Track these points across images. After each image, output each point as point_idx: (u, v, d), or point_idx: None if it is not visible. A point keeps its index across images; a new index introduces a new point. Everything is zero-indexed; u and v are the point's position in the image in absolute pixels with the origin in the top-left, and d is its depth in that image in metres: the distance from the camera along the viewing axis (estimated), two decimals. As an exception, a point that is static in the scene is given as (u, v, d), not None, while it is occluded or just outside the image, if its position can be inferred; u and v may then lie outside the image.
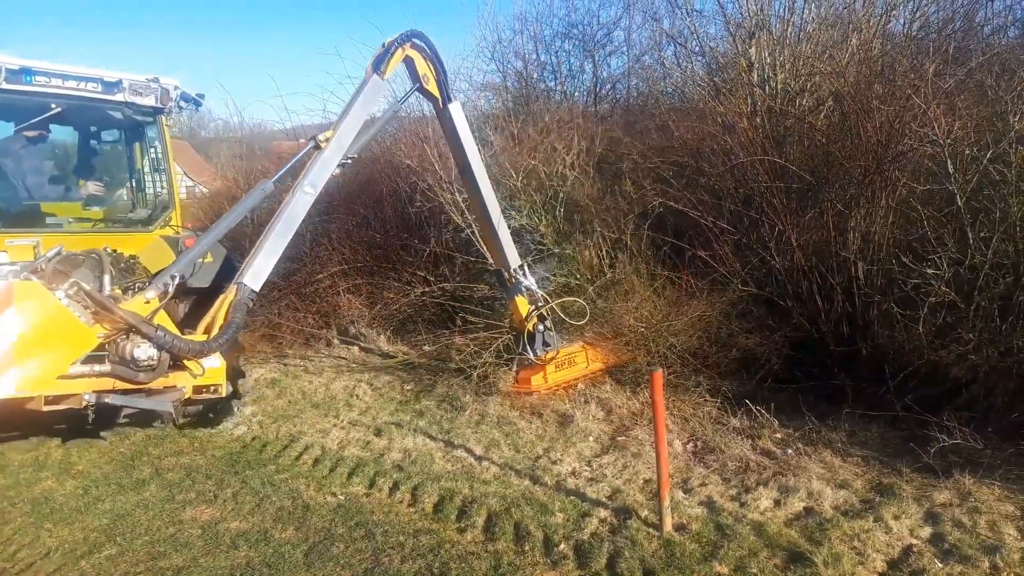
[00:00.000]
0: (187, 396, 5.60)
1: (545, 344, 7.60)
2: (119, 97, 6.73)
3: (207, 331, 5.52)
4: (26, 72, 6.19)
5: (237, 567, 4.27)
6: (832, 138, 7.52)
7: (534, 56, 15.91)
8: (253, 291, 5.68)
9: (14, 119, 6.83)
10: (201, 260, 6.14)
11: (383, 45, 6.76)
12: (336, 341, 9.92)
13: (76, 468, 5.94)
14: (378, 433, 6.54)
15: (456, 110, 7.28)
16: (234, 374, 6.59)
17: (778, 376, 7.28)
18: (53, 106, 6.44)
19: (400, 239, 10.54)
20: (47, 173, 7.21)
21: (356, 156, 7.00)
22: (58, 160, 7.72)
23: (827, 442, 5.91)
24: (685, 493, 5.10)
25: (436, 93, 7.15)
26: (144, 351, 5.09)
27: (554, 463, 5.71)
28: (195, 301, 6.31)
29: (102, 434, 6.56)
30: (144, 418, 6.28)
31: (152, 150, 7.33)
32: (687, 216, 8.32)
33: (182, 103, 7.17)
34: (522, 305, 7.67)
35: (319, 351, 9.82)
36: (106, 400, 5.14)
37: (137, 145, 7.42)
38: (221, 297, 5.68)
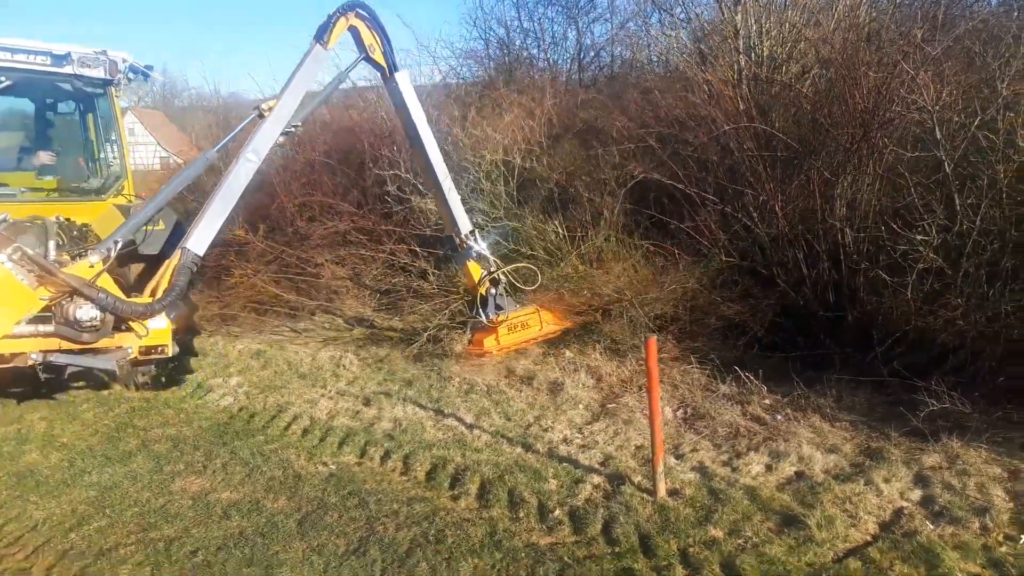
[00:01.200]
0: (134, 356, 5.85)
1: (497, 307, 7.74)
2: (68, 69, 6.82)
3: (152, 294, 5.77)
4: None
5: (230, 537, 4.23)
6: (819, 105, 7.50)
7: (517, 23, 15.75)
8: (197, 255, 5.94)
9: None
10: (152, 227, 6.39)
11: (328, 15, 6.85)
12: (320, 312, 9.82)
13: (60, 440, 5.84)
14: (367, 403, 6.49)
15: (403, 79, 7.41)
16: (189, 332, 6.80)
17: (763, 343, 7.32)
18: (2, 79, 6.57)
19: (380, 209, 10.40)
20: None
21: (300, 125, 7.19)
22: (10, 131, 7.99)
23: (816, 408, 5.96)
24: (677, 459, 5.12)
25: (383, 62, 7.28)
26: (86, 312, 5.38)
27: (545, 431, 5.71)
28: (147, 267, 6.48)
29: (56, 395, 6.79)
30: (96, 379, 6.52)
31: (103, 121, 7.45)
32: (669, 187, 8.29)
33: (131, 75, 7.26)
34: (474, 270, 7.82)
35: (302, 321, 9.71)
36: (51, 359, 5.43)
37: (89, 116, 7.54)
38: (167, 262, 5.95)
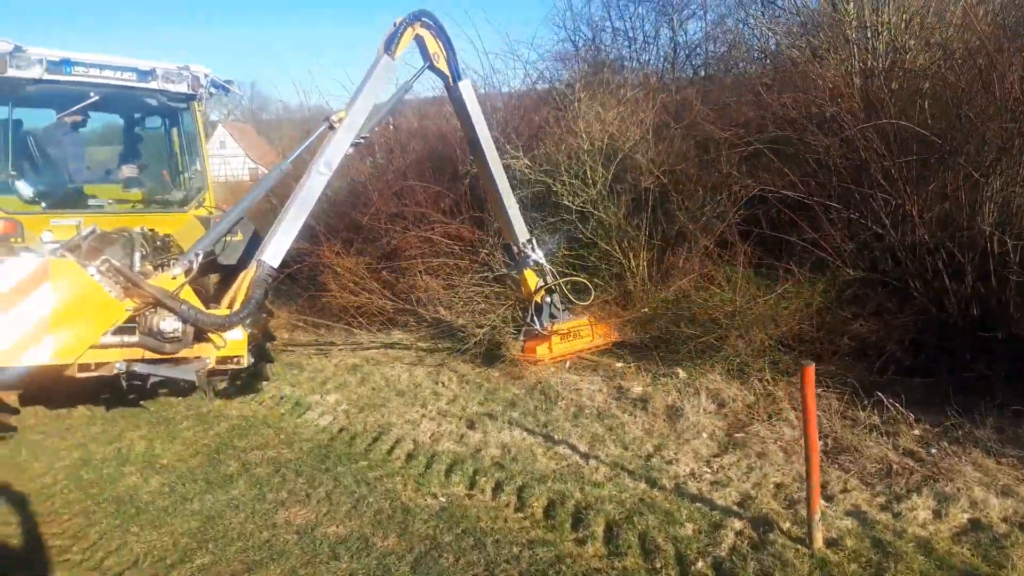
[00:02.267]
0: (211, 366, 5.99)
1: (551, 316, 7.86)
2: (153, 85, 7.14)
3: (230, 305, 5.96)
4: (66, 63, 6.59)
5: (340, 581, 3.89)
6: (963, 97, 6.73)
7: (607, 24, 15.23)
8: (272, 267, 6.17)
9: (57, 107, 7.21)
10: (230, 238, 6.62)
11: (394, 24, 6.95)
12: (413, 323, 9.53)
13: (160, 462, 5.66)
14: (471, 425, 6.11)
15: (466, 87, 7.56)
16: (265, 338, 7.02)
17: (902, 365, 6.62)
18: (92, 94, 6.86)
19: (473, 218, 10.06)
20: (89, 157, 7.71)
21: (369, 135, 7.45)
22: (98, 145, 8.41)
23: (974, 440, 5.27)
24: (827, 501, 4.53)
25: (447, 71, 7.43)
26: (169, 324, 5.54)
27: (669, 463, 5.20)
28: (224, 277, 6.68)
29: (142, 403, 6.92)
30: (179, 388, 6.64)
31: (187, 134, 7.74)
32: (784, 196, 7.63)
33: (212, 89, 7.56)
34: (530, 278, 7.93)
35: (395, 334, 9.44)
36: (135, 368, 5.57)
37: (174, 129, 7.84)
38: (243, 273, 6.13)
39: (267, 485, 5.11)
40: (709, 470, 5.08)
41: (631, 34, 15.16)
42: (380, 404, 6.81)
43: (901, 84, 7.37)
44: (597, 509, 4.51)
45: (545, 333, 7.70)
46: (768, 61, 11.97)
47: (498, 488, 4.93)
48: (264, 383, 7.38)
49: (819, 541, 3.98)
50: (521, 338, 7.95)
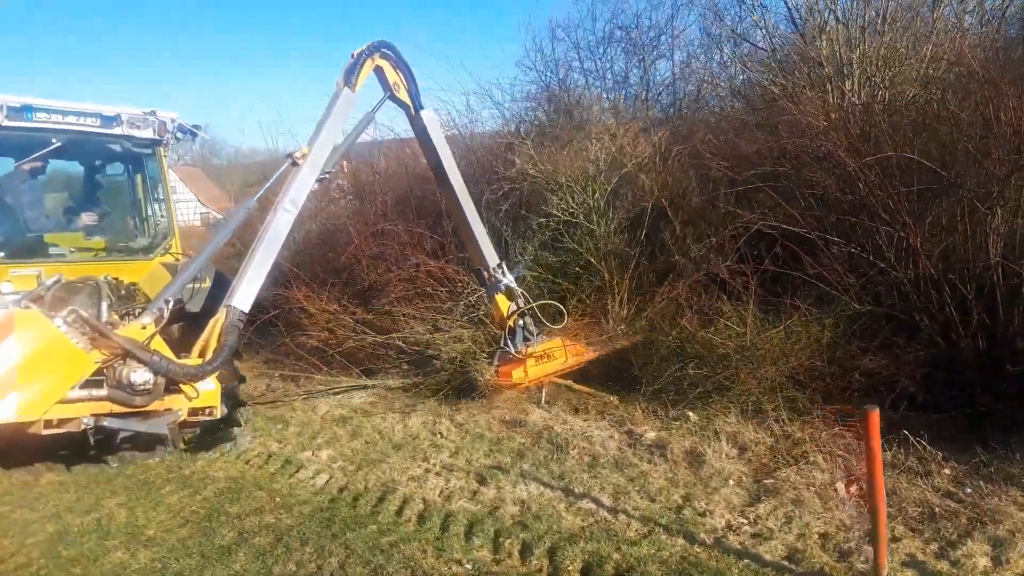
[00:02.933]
0: (183, 418, 5.81)
1: (525, 339, 7.77)
2: (117, 131, 6.95)
3: (201, 354, 5.73)
4: (27, 109, 6.39)
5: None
6: (963, 130, 6.73)
7: (578, 63, 15.24)
8: (243, 312, 5.94)
9: (17, 155, 6.89)
10: (197, 284, 6.39)
11: (352, 56, 6.85)
12: (392, 360, 9.11)
13: (146, 533, 5.15)
14: (482, 480, 5.74)
15: (429, 117, 7.54)
16: (234, 383, 6.78)
17: (914, 400, 6.49)
18: (54, 140, 6.62)
19: (459, 257, 9.77)
20: (48, 205, 7.44)
21: (333, 171, 7.31)
22: (59, 192, 8.08)
23: (1008, 477, 5.13)
24: (878, 550, 4.29)
25: (408, 101, 7.37)
26: (140, 375, 5.30)
27: (702, 515, 4.91)
28: (189, 325, 6.39)
29: (107, 458, 6.49)
30: (144, 442, 6.33)
31: (151, 180, 7.53)
32: (783, 231, 7.52)
33: (179, 134, 7.41)
34: (502, 302, 7.85)
35: (380, 379, 9.02)
36: (103, 423, 5.35)
37: (137, 175, 7.60)
38: (212, 320, 5.88)
39: (270, 557, 4.66)
40: (746, 521, 4.80)
41: (601, 74, 15.23)
42: (378, 460, 6.40)
43: (901, 117, 7.34)
44: (640, 571, 4.18)
45: (520, 356, 7.60)
46: (742, 98, 12.07)
47: (526, 550, 4.56)
48: (237, 429, 7.04)
49: (888, 598, 3.73)
50: (495, 362, 7.83)
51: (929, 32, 9.93)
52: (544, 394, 7.76)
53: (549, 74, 15.16)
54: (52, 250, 6.77)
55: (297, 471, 6.30)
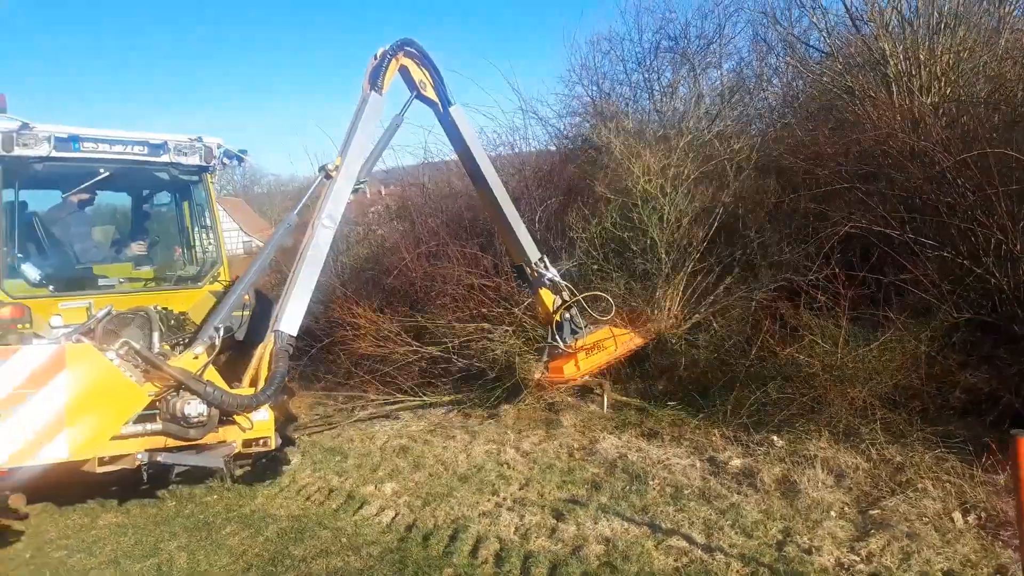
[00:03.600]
0: (237, 451, 5.65)
1: (573, 332, 7.56)
2: (164, 158, 6.81)
3: (252, 383, 5.57)
4: (73, 139, 6.28)
5: None
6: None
7: (623, 76, 14.92)
8: (291, 336, 5.75)
9: (64, 185, 6.84)
10: (241, 312, 6.24)
11: (375, 56, 6.64)
12: (456, 380, 8.80)
13: (211, 580, 4.89)
14: (559, 516, 5.37)
15: (458, 113, 7.28)
16: (286, 421, 6.65)
17: (1020, 416, 5.96)
18: (101, 171, 6.54)
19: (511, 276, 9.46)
20: (96, 236, 7.31)
21: (368, 179, 7.04)
22: (107, 223, 7.97)
23: None
24: (1017, 591, 3.83)
25: (435, 98, 7.15)
26: (195, 408, 5.14)
27: (808, 552, 4.48)
28: (236, 352, 6.21)
29: (158, 493, 6.35)
30: (196, 475, 6.27)
31: (198, 208, 7.40)
32: (872, 236, 7.07)
33: (225, 160, 7.29)
34: (547, 297, 7.68)
35: (433, 394, 8.71)
36: (158, 459, 5.18)
37: (185, 204, 7.49)
38: (260, 347, 5.72)
39: (342, 605, 4.35)
40: (858, 558, 4.36)
41: (648, 86, 14.84)
42: (445, 494, 6.06)
43: (994, 113, 6.86)
44: (751, 620, 3.77)
45: (570, 351, 7.46)
46: (799, 103, 11.60)
47: (620, 596, 4.19)
48: (285, 467, 6.87)
49: (1047, 652, 3.27)
50: (545, 358, 7.70)
51: (1000, 27, 9.44)
52: (605, 400, 7.56)
53: (594, 88, 14.86)
54: (101, 281, 6.63)
55: (360, 507, 5.99)
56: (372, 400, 8.63)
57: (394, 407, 8.52)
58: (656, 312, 7.91)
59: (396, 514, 5.78)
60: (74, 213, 6.80)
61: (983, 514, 4.70)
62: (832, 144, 7.83)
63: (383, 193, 15.51)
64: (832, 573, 4.21)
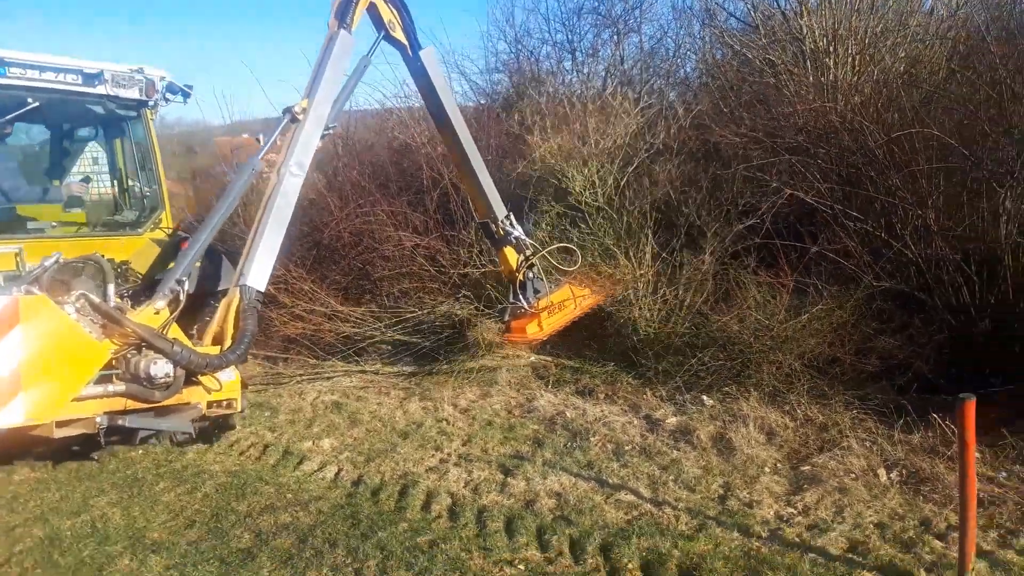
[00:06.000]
0: (202, 413, 5.39)
1: (536, 291, 7.56)
2: (100, 90, 6.24)
3: (216, 341, 5.29)
4: (0, 63, 5.72)
5: None
6: (979, 110, 6.66)
7: (548, 36, 14.85)
8: (259, 292, 5.41)
9: None
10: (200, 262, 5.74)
11: None
12: (385, 350, 8.71)
13: (149, 537, 4.71)
14: (506, 471, 5.45)
15: (428, 57, 6.99)
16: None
17: (926, 382, 6.44)
18: (30, 100, 5.93)
19: (443, 235, 9.38)
20: (21, 173, 6.71)
21: (336, 125, 6.65)
22: (32, 159, 7.26)
23: (1036, 459, 5.09)
24: (940, 540, 4.19)
25: (404, 40, 6.85)
26: (161, 368, 4.79)
27: (749, 506, 4.74)
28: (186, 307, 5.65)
29: (93, 455, 5.95)
30: (158, 438, 6.00)
31: (137, 147, 6.84)
32: (795, 208, 7.40)
33: (169, 95, 6.72)
34: (510, 255, 7.58)
35: (361, 362, 8.59)
36: (120, 422, 4.83)
37: (118, 141, 6.93)
38: (224, 302, 5.43)
39: (299, 561, 4.30)
40: (796, 511, 4.65)
41: (571, 47, 14.85)
42: (387, 449, 6.04)
43: (917, 92, 7.26)
44: (707, 569, 3.98)
45: (533, 311, 7.46)
46: (721, 74, 11.90)
47: (576, 548, 4.31)
48: (225, 432, 6.49)
49: (974, 593, 3.61)
50: (506, 319, 7.66)
51: (914, 10, 9.96)
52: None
53: (518, 45, 14.74)
54: (30, 224, 6.11)
55: (300, 463, 5.89)
56: (307, 364, 8.38)
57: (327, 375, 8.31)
58: (615, 272, 7.87)
59: (340, 470, 5.72)
60: None
61: (904, 471, 5.08)
62: (758, 118, 8.09)
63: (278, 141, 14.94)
64: (774, 525, 4.47)
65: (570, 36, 14.77)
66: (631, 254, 7.65)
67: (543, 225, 8.54)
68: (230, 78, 51.86)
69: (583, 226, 8.46)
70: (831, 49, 9.67)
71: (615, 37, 14.31)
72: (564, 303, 7.58)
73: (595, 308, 7.75)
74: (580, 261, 7.64)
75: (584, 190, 8.66)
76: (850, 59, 9.59)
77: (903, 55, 9.36)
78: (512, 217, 7.59)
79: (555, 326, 7.58)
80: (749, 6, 11.18)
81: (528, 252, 7.54)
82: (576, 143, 8.69)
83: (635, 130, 8.81)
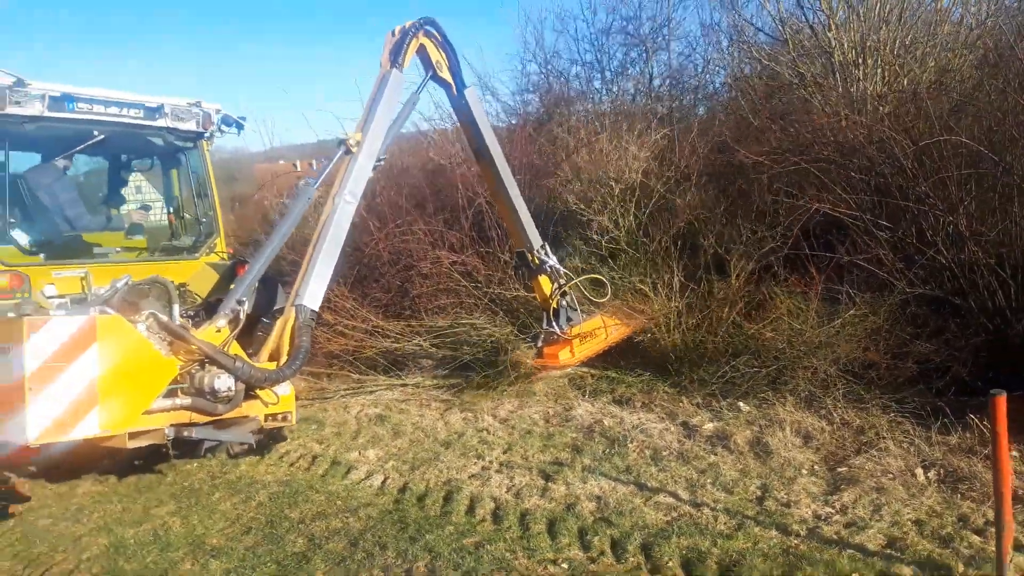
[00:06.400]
0: (260, 425, 5.63)
1: (568, 319, 7.75)
2: (160, 123, 6.64)
3: (272, 358, 5.55)
4: (68, 99, 6.07)
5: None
6: (1009, 115, 6.72)
7: (577, 57, 15.11)
8: (313, 311, 5.71)
9: (56, 148, 6.59)
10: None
11: (392, 33, 6.63)
12: (425, 364, 8.91)
13: (209, 543, 4.94)
14: (547, 477, 5.60)
15: (471, 95, 7.35)
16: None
17: (964, 386, 6.46)
18: (95, 133, 6.31)
19: (478, 252, 9.60)
20: (85, 202, 7.02)
21: (385, 156, 6.96)
22: (95, 189, 7.68)
23: (1078, 459, 5.11)
24: (978, 535, 4.25)
25: (450, 80, 7.17)
26: (223, 382, 5.06)
27: (786, 506, 4.83)
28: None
29: (155, 468, 6.31)
30: (220, 450, 6.18)
31: (194, 176, 7.22)
32: (828, 219, 7.48)
33: (223, 127, 7.12)
34: (545, 283, 7.80)
35: (403, 376, 8.79)
36: (186, 434, 5.09)
37: (174, 171, 7.31)
38: (281, 321, 5.70)
39: (352, 563, 4.49)
40: (834, 510, 4.73)
41: (600, 67, 15.09)
42: (430, 459, 6.23)
43: (945, 101, 7.33)
44: (746, 566, 4.09)
45: (566, 337, 7.62)
46: (751, 88, 12.03)
47: (617, 548, 4.44)
48: (277, 443, 6.77)
49: (1013, 586, 3.68)
50: (539, 344, 7.84)
51: (942, 20, 10.01)
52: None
53: (548, 67, 15.02)
54: (96, 250, 6.45)
55: (348, 472, 6.11)
56: (351, 379, 8.63)
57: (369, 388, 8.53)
58: (645, 304, 7.99)
59: (386, 478, 5.91)
60: (61, 178, 6.57)
61: (942, 470, 5.13)
62: (786, 132, 8.20)
63: (314, 166, 15.32)
64: (812, 524, 4.56)
65: (599, 56, 15.09)
66: (659, 288, 7.77)
67: (575, 259, 8.80)
68: (267, 102, 52.94)
69: (611, 262, 8.67)
70: (860, 61, 9.81)
71: (644, 55, 14.58)
72: (596, 332, 7.73)
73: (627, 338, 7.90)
74: (610, 294, 7.83)
75: (604, 234, 8.89)
76: (879, 70, 9.72)
77: (932, 64, 9.45)
78: (547, 247, 7.83)
79: (587, 353, 7.72)
80: (777, 21, 11.29)
81: (562, 281, 7.77)
82: (597, 169, 8.86)
83: (648, 166, 8.91)
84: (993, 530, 4.24)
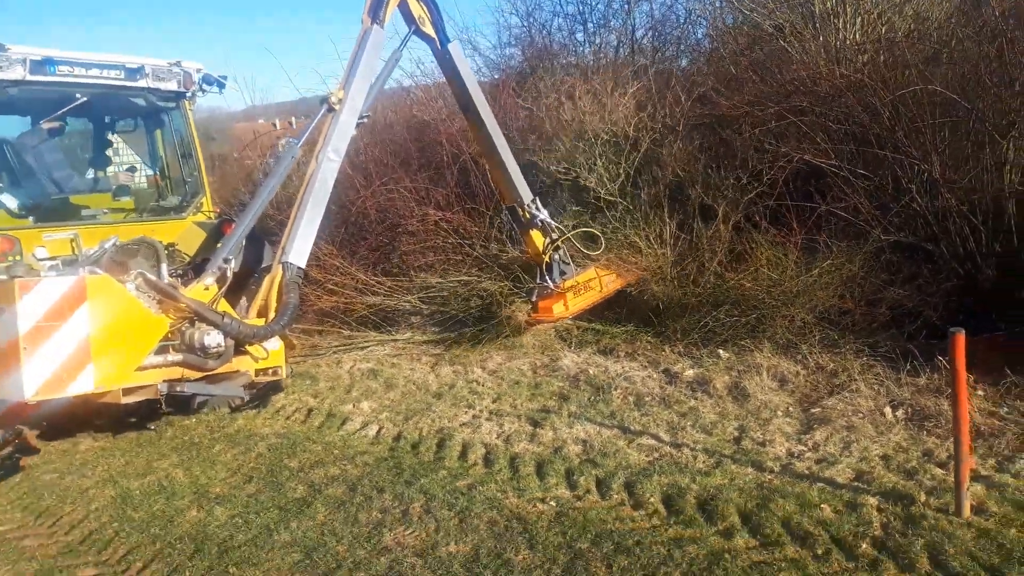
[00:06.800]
0: (250, 380, 5.87)
1: (561, 273, 7.85)
2: (142, 83, 6.69)
3: (261, 314, 5.75)
4: (49, 62, 6.12)
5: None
6: (981, 64, 6.86)
7: (559, 7, 15.04)
8: (300, 268, 5.89)
9: (38, 111, 6.69)
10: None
11: None
12: (415, 321, 9.11)
13: (213, 491, 5.16)
14: (535, 423, 5.85)
15: (455, 50, 7.37)
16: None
17: (935, 329, 6.72)
18: (77, 96, 6.35)
19: (464, 208, 9.72)
20: (72, 165, 7.14)
21: (370, 114, 7.04)
22: (80, 151, 7.75)
23: (1035, 395, 5.39)
24: (940, 468, 4.52)
25: (432, 34, 7.18)
26: (213, 338, 5.25)
27: (762, 445, 5.10)
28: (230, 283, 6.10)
29: (150, 425, 6.47)
30: (212, 404, 6.43)
31: (177, 135, 7.28)
32: (802, 168, 7.64)
33: (205, 86, 7.15)
34: (536, 238, 7.86)
35: (393, 332, 8.99)
36: (179, 389, 5.35)
37: (158, 132, 7.38)
38: (268, 278, 5.86)
39: (351, 506, 4.72)
40: (806, 448, 4.99)
41: (582, 19, 15.01)
42: (422, 409, 6.45)
43: (922, 48, 7.46)
44: (723, 499, 4.34)
45: (559, 290, 7.70)
46: (734, 38, 12.06)
47: (602, 486, 4.70)
48: (274, 395, 6.99)
49: (967, 510, 3.94)
50: (533, 299, 7.91)
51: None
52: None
53: (530, 18, 14.94)
54: (84, 212, 6.56)
55: (343, 423, 6.33)
56: (342, 335, 8.78)
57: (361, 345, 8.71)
58: (638, 255, 8.07)
59: (380, 428, 6.14)
60: (46, 141, 6.64)
61: (909, 409, 5.40)
62: (766, 81, 8.30)
63: (294, 125, 15.24)
64: (785, 460, 4.83)
65: (581, 7, 15.01)
66: (651, 239, 7.92)
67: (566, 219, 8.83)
68: (250, 63, 52.20)
69: (602, 216, 8.77)
70: (840, 10, 9.87)
71: (626, 6, 14.52)
72: (589, 284, 7.84)
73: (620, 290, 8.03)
74: (604, 246, 7.91)
75: (597, 186, 8.97)
76: (858, 19, 9.79)
77: (910, 12, 9.52)
78: (538, 201, 7.90)
79: (580, 306, 7.80)
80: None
81: (554, 235, 7.86)
82: (583, 119, 8.92)
83: (633, 113, 8.97)
84: (950, 462, 4.54)
